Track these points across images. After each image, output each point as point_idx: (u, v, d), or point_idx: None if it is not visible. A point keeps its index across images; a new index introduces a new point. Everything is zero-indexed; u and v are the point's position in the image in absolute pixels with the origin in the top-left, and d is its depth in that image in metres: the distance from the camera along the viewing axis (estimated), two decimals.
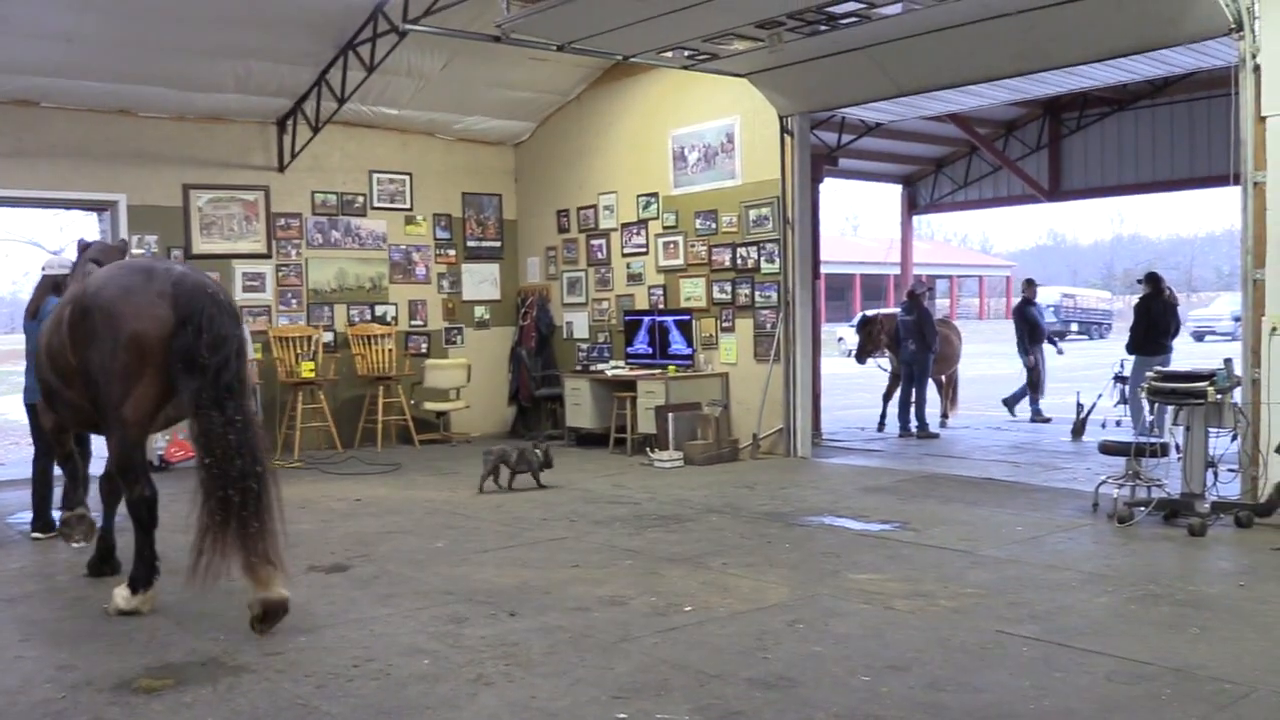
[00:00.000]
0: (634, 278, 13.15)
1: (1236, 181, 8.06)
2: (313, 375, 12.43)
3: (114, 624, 5.67)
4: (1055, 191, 17.54)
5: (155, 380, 5.74)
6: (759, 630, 5.29)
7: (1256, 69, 7.73)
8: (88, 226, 12.89)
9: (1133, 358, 12.33)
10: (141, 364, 5.67)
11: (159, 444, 11.52)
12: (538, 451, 9.71)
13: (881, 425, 14.04)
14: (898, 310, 14.19)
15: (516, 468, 9.63)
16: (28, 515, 9.01)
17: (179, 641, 5.31)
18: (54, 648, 5.27)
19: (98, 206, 12.65)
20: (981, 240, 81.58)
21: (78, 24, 10.05)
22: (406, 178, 13.79)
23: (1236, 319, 13.45)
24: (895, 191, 19.91)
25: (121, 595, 5.88)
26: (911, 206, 19.87)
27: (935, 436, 13.36)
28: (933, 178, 19.09)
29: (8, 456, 13.85)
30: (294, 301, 13.00)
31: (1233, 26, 7.86)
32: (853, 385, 21.21)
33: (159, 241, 12.06)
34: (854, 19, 8.89)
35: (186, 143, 12.26)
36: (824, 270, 14.50)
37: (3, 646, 5.30)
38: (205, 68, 11.36)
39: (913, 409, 13.56)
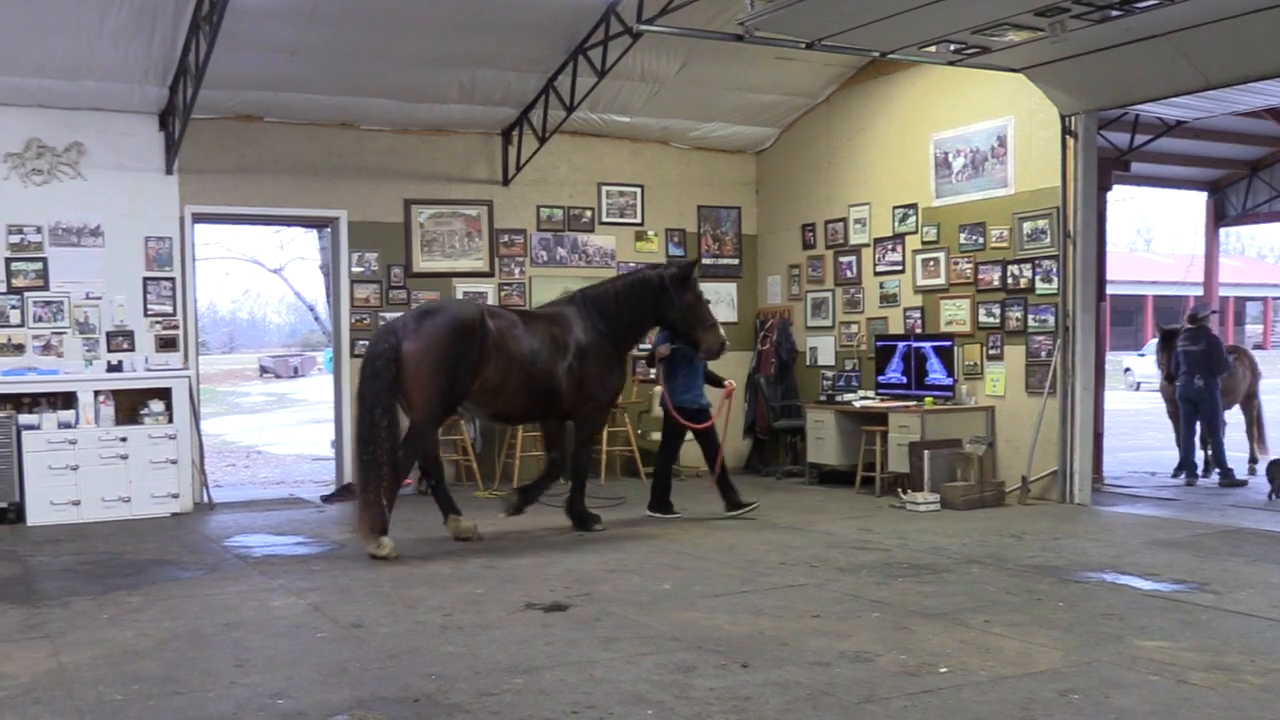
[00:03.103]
0: (888, 299, 13.01)
1: None
2: None
3: (328, 653, 6.06)
4: None
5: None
6: (1025, 699, 5.13)
7: None
8: (308, 244, 13.83)
9: None
10: None
11: None
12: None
13: (1179, 471, 13.31)
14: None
15: None
16: (246, 538, 9.77)
17: (393, 676, 5.61)
18: (268, 676, 5.66)
19: (318, 223, 13.61)
20: None
21: (302, 36, 10.84)
22: (638, 190, 14.16)
23: None
24: (1199, 200, 18.96)
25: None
26: (1218, 217, 18.81)
27: (1242, 484, 12.58)
28: (1245, 183, 18.01)
29: (226, 479, 14.96)
30: None
31: None
32: (1141, 423, 20.23)
33: (379, 259, 12.81)
34: (1153, 1, 8.54)
35: (408, 156, 13.01)
36: (1110, 291, 13.90)
37: (218, 673, 5.74)
38: (429, 77, 12.03)
39: (1204, 452, 12.86)
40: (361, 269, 12.78)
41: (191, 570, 8.44)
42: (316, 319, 38.14)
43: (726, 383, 11.06)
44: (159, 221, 11.78)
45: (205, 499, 11.77)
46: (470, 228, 13.31)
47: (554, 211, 13.74)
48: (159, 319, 11.77)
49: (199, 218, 12.21)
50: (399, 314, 10.65)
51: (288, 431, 23.10)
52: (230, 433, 23.09)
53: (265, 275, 42.78)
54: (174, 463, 11.21)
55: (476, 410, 10.05)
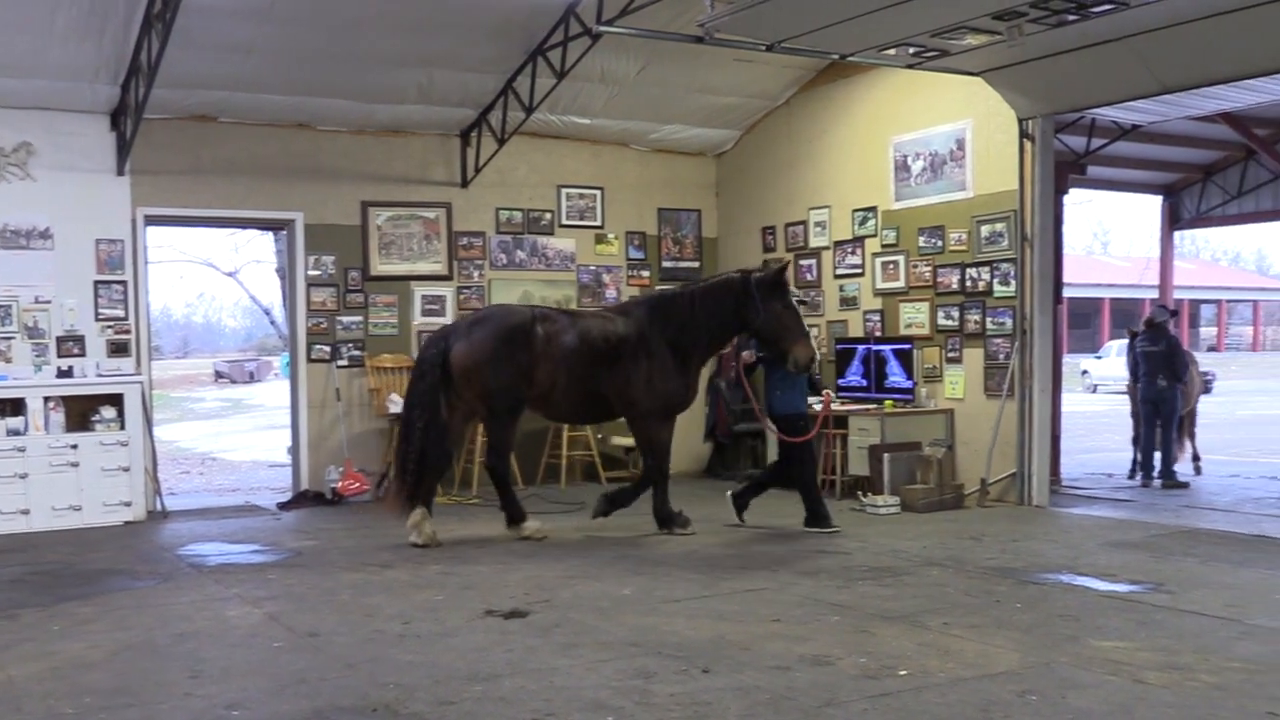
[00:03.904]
0: (848, 302, 13.08)
1: None
2: None
3: (285, 663, 6.02)
4: None
5: None
6: (984, 700, 5.18)
7: None
8: (263, 247, 13.75)
9: None
10: None
11: (332, 476, 12.14)
12: None
13: (1133, 473, 13.47)
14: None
15: None
16: (200, 547, 9.69)
17: (351, 685, 5.59)
18: (223, 686, 5.62)
19: (274, 226, 13.50)
20: (1257, 259, 77.34)
21: (257, 35, 10.76)
22: (598, 192, 14.16)
23: None
24: (1154, 203, 19.18)
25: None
26: (1173, 220, 19.06)
27: (1184, 486, 12.75)
28: (1199, 187, 18.27)
29: (180, 486, 14.82)
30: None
31: None
32: (1098, 425, 20.47)
33: (336, 262, 12.74)
34: (1109, 6, 8.63)
35: (365, 158, 12.93)
36: (1067, 294, 14.05)
37: (171, 684, 5.69)
38: (386, 78, 11.96)
39: (1156, 454, 13.03)
40: (318, 272, 12.70)
41: (144, 580, 8.35)
42: (273, 323, 37.80)
43: (824, 393, 10.60)
44: (110, 223, 11.63)
45: (158, 507, 11.64)
46: (429, 230, 13.26)
47: (513, 214, 13.72)
48: (110, 323, 11.63)
49: (152, 220, 12.06)
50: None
51: (243, 438, 22.90)
52: (184, 439, 22.87)
53: (220, 279, 42.34)
54: (126, 470, 11.08)
55: (536, 412, 10.36)
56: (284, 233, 13.14)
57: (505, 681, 5.57)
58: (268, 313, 37.77)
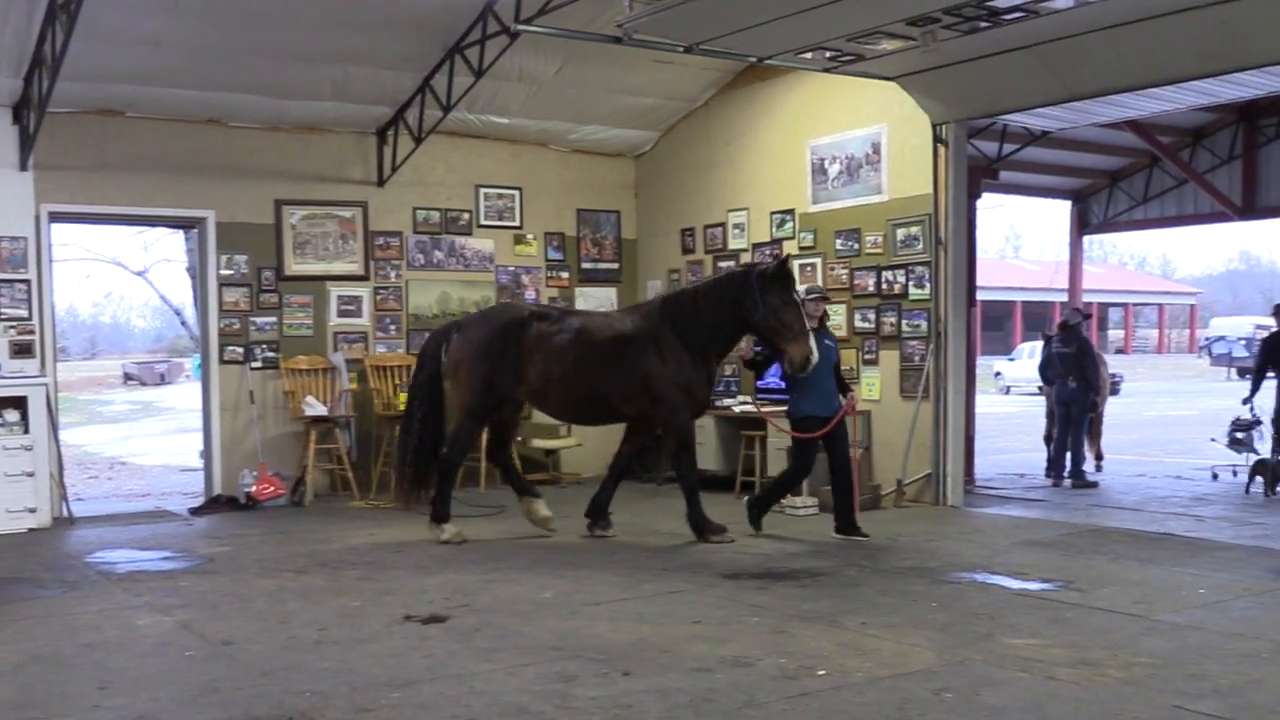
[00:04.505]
0: None
1: None
2: None
3: (197, 672, 5.92)
4: (1249, 208, 17.02)
5: None
6: (900, 699, 5.26)
7: None
8: (174, 245, 13.49)
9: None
10: None
11: (246, 480, 11.94)
12: None
13: (1048, 472, 13.74)
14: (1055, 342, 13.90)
15: None
16: (109, 554, 9.48)
17: (266, 694, 5.50)
18: (133, 698, 5.50)
19: (185, 224, 13.24)
20: (1162, 263, 79.46)
21: (166, 28, 10.53)
22: (516, 193, 14.11)
23: None
24: (1063, 208, 19.60)
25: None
26: (1082, 225, 19.51)
27: (1093, 486, 13.04)
28: (1107, 193, 18.72)
29: (87, 491, 14.49)
30: (393, 328, 13.38)
31: None
32: (1011, 426, 20.85)
33: (249, 262, 12.54)
34: (1019, 14, 8.81)
35: (279, 155, 12.74)
36: (980, 296, 14.30)
37: (78, 696, 5.56)
38: (300, 74, 11.79)
39: (1068, 454, 13.31)
40: (231, 272, 12.49)
41: (50, 589, 8.15)
42: (184, 324, 37.17)
43: (850, 395, 9.99)
44: (12, 220, 11.30)
45: (65, 513, 11.35)
46: (344, 230, 13.10)
47: (431, 214, 13.61)
48: (13, 324, 11.31)
49: (56, 217, 11.75)
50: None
51: (154, 441, 22.47)
52: (92, 443, 22.37)
53: (129, 278, 41.50)
54: (31, 475, 10.78)
55: (537, 409, 10.51)
56: (195, 231, 12.90)
57: (424, 687, 5.53)
58: (179, 313, 37.15)
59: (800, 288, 9.71)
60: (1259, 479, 12.06)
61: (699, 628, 6.65)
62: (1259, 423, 13.31)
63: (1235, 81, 10.24)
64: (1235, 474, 13.20)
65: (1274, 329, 13.47)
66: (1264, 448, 13.07)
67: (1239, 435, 13.31)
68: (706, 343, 9.56)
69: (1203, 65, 9.42)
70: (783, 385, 11.34)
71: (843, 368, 11.37)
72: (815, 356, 9.14)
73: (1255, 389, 13.33)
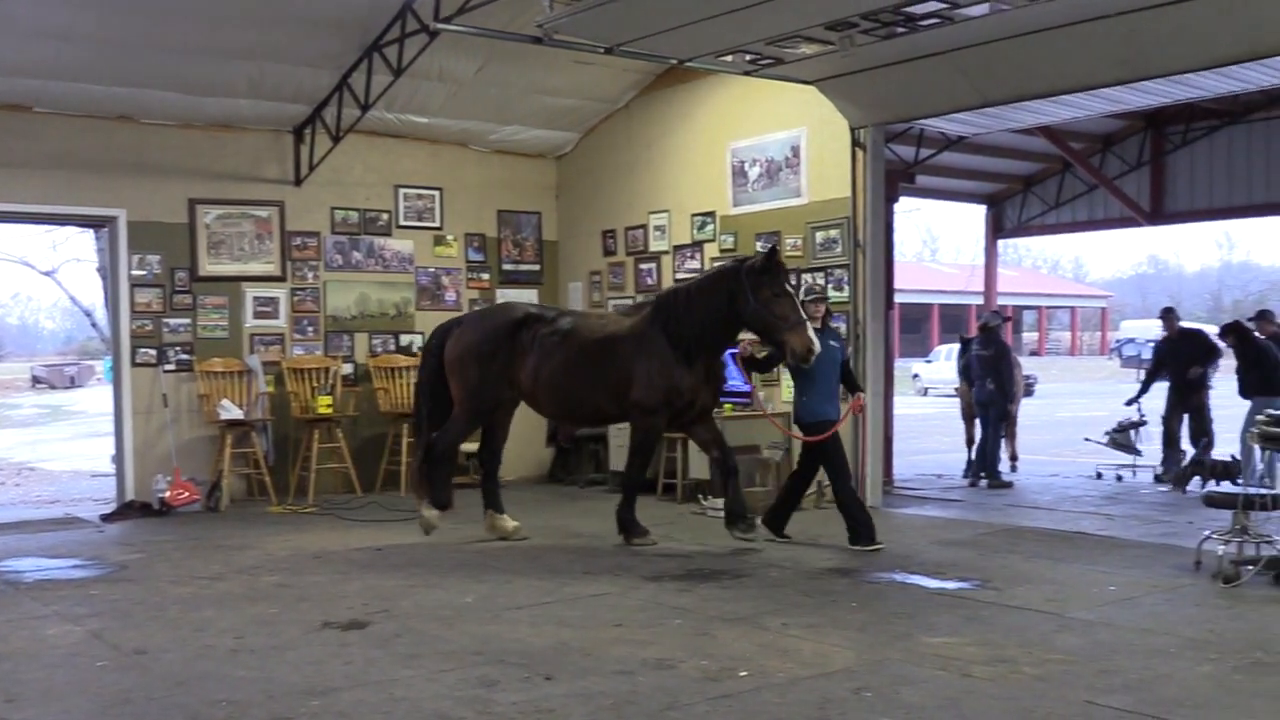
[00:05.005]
0: None
1: None
2: (330, 411, 12.58)
3: (109, 683, 5.80)
4: (1157, 213, 17.45)
5: None
6: (821, 698, 5.31)
7: None
8: (83, 245, 13.21)
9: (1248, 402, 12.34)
10: None
11: (159, 486, 11.72)
12: None
13: (967, 472, 13.96)
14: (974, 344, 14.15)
15: None
16: (16, 562, 9.25)
17: (181, 704, 5.41)
18: (42, 710, 5.39)
19: (94, 223, 12.95)
20: (1075, 267, 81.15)
21: (75, 21, 10.30)
22: (436, 193, 14.01)
23: None
24: (979, 212, 19.88)
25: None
26: (996, 229, 19.82)
27: (1008, 486, 13.29)
28: (1020, 197, 19.06)
29: (2, 496, 14.14)
30: (310, 329, 13.21)
31: None
32: (929, 427, 21.14)
33: (162, 262, 12.30)
34: (935, 20, 8.95)
35: (193, 153, 12.51)
36: (898, 299, 14.50)
37: None
38: (214, 70, 11.59)
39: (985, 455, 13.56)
40: (143, 272, 12.25)
41: None
42: (94, 325, 36.37)
43: (856, 396, 9.80)
44: None
45: None
46: (260, 229, 12.91)
47: (349, 214, 13.46)
48: None
49: None
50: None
51: (64, 446, 21.96)
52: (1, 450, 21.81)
53: (37, 278, 40.57)
54: None
55: (537, 412, 10.46)
56: (105, 230, 12.62)
57: (344, 695, 5.47)
58: (89, 314, 36.36)
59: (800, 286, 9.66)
60: (1196, 479, 12.28)
61: (621, 630, 6.65)
62: (1144, 423, 13.70)
63: (1143, 90, 10.48)
64: (1120, 477, 13.58)
65: (1167, 334, 13.89)
66: (1146, 448, 13.50)
67: (1117, 435, 13.69)
68: (698, 342, 9.26)
69: (1112, 73, 9.64)
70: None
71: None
72: (817, 346, 8.85)
73: (1144, 390, 13.72)
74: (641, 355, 9.34)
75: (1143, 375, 14.43)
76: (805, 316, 8.95)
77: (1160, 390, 13.79)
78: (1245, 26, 8.54)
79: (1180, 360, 13.50)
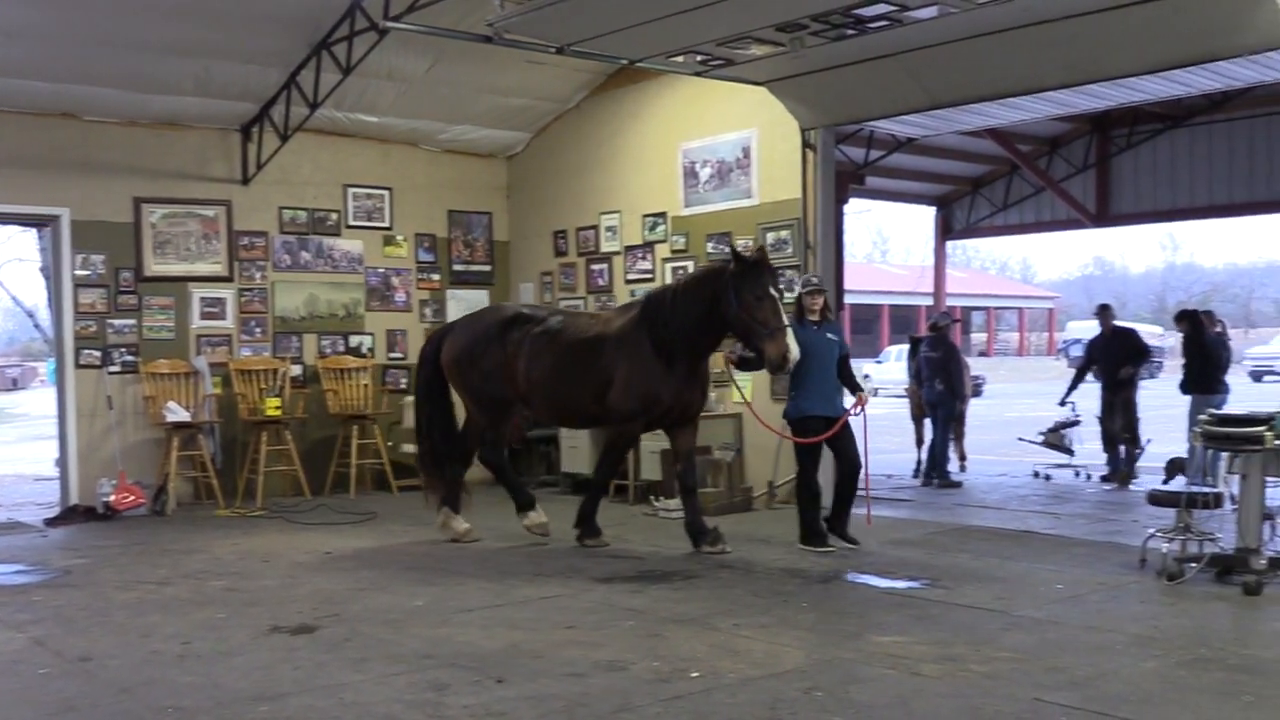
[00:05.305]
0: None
1: None
2: (278, 413, 12.44)
3: (53, 691, 5.72)
4: (1103, 215, 17.72)
5: None
6: (772, 699, 5.33)
7: None
8: (25, 244, 13.01)
9: (1187, 398, 12.50)
10: None
11: (104, 489, 11.56)
12: None
13: (917, 472, 14.08)
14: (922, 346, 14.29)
15: None
16: None
17: (127, 711, 5.35)
18: None
19: (37, 222, 12.77)
20: (1022, 268, 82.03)
21: (18, 16, 10.13)
22: (386, 193, 13.92)
23: None
24: (928, 214, 20.07)
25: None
26: (945, 230, 20.04)
27: (958, 485, 13.41)
28: (969, 199, 19.27)
29: None
30: (258, 330, 13.08)
31: None
32: (879, 428, 21.27)
33: (107, 262, 12.14)
34: (884, 23, 9.01)
35: (138, 151, 12.35)
36: (849, 300, 14.59)
37: None
38: (161, 67, 11.44)
39: (933, 455, 13.70)
40: (87, 272, 12.08)
41: None
42: (37, 326, 35.88)
43: (859, 394, 9.35)
44: None
45: None
46: (207, 229, 12.77)
47: (297, 213, 13.35)
48: None
49: None
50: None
51: (6, 449, 21.59)
52: None
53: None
54: None
55: (533, 414, 10.48)
56: (48, 230, 12.45)
57: (292, 700, 5.42)
58: (31, 315, 35.85)
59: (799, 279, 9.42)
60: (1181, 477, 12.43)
61: (572, 633, 6.65)
62: (1078, 422, 13.89)
63: (1089, 93, 10.63)
64: (1049, 477, 13.75)
65: (1101, 331, 14.02)
66: (1080, 449, 13.68)
67: (1051, 435, 13.88)
68: (682, 344, 8.98)
69: (1058, 76, 9.76)
70: None
71: (714, 370, 10.72)
72: (794, 354, 8.50)
73: (1073, 387, 13.89)
74: (623, 358, 9.15)
75: (1090, 375, 14.61)
76: (786, 323, 8.60)
77: (1095, 391, 13.93)
78: (1188, 31, 8.67)
79: (1111, 358, 13.59)
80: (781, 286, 8.98)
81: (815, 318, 9.19)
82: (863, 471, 9.37)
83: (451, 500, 9.93)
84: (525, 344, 9.50)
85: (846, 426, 9.12)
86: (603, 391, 9.24)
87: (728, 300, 8.67)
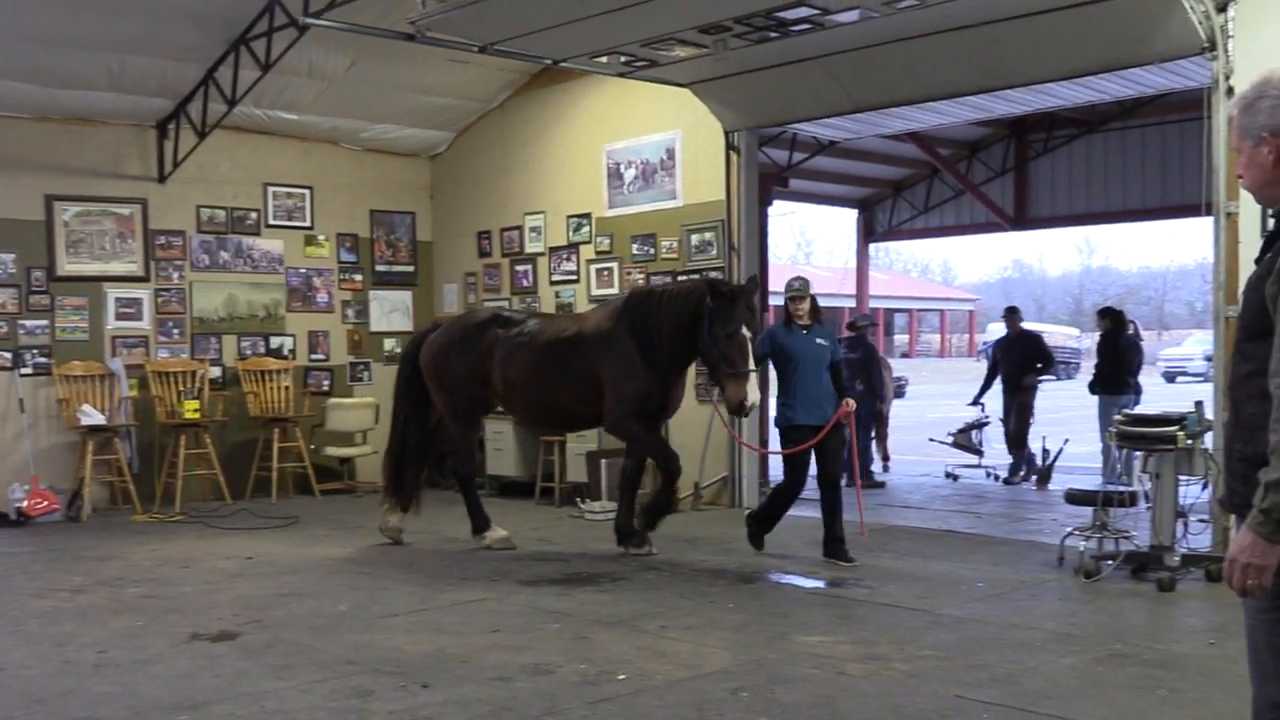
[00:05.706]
0: (564, 308, 13.20)
1: (1209, 212, 8.38)
2: (197, 416, 12.26)
3: None
4: (1021, 219, 18.04)
5: None
6: (699, 700, 5.36)
7: (1230, 91, 8.05)
8: None
9: (1095, 398, 12.75)
10: None
11: (16, 495, 11.29)
12: None
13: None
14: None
15: None
16: None
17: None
18: None
19: None
20: (943, 270, 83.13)
21: None
22: (307, 192, 13.76)
23: (1209, 358, 14.32)
24: (850, 216, 20.28)
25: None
26: (868, 233, 20.26)
27: (881, 486, 13.58)
28: (891, 202, 19.51)
29: None
30: (176, 332, 12.86)
31: (1205, 46, 8.21)
32: None
33: (17, 261, 11.87)
34: (806, 26, 9.10)
35: (50, 147, 12.08)
36: (773, 302, 14.72)
37: None
38: (73, 61, 11.18)
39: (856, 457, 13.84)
40: None
41: None
42: None
43: (844, 402, 8.87)
44: None
45: None
46: (122, 228, 12.53)
47: (216, 212, 13.14)
48: None
49: None
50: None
51: None
52: None
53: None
54: None
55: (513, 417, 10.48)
56: None
57: (213, 708, 5.35)
58: None
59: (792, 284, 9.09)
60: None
61: (498, 636, 6.63)
62: (987, 423, 14.15)
63: (1006, 98, 10.84)
64: (956, 477, 13.93)
65: (1006, 332, 14.26)
66: (990, 450, 13.93)
67: (959, 436, 14.12)
68: (660, 353, 8.80)
69: (977, 81, 9.94)
70: None
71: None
72: (752, 401, 8.37)
73: (984, 389, 14.11)
74: (608, 357, 8.94)
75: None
76: (752, 368, 8.38)
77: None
78: (1102, 38, 8.87)
79: (1013, 361, 13.79)
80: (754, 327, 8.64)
81: (803, 322, 8.88)
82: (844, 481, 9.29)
83: (402, 499, 9.87)
84: (500, 345, 9.42)
85: (833, 436, 8.80)
86: (584, 390, 9.12)
87: (702, 328, 8.52)
